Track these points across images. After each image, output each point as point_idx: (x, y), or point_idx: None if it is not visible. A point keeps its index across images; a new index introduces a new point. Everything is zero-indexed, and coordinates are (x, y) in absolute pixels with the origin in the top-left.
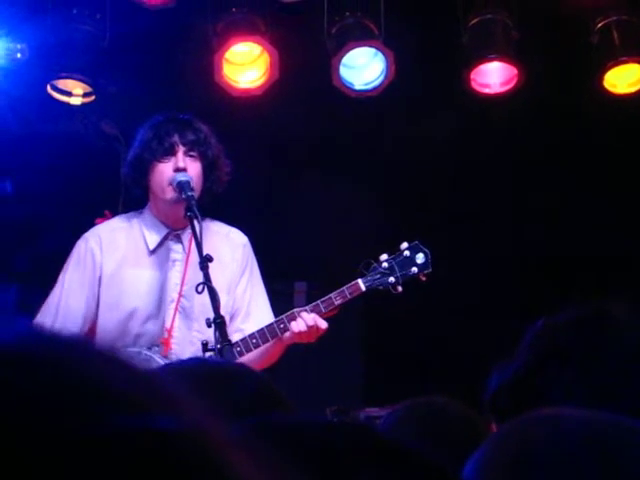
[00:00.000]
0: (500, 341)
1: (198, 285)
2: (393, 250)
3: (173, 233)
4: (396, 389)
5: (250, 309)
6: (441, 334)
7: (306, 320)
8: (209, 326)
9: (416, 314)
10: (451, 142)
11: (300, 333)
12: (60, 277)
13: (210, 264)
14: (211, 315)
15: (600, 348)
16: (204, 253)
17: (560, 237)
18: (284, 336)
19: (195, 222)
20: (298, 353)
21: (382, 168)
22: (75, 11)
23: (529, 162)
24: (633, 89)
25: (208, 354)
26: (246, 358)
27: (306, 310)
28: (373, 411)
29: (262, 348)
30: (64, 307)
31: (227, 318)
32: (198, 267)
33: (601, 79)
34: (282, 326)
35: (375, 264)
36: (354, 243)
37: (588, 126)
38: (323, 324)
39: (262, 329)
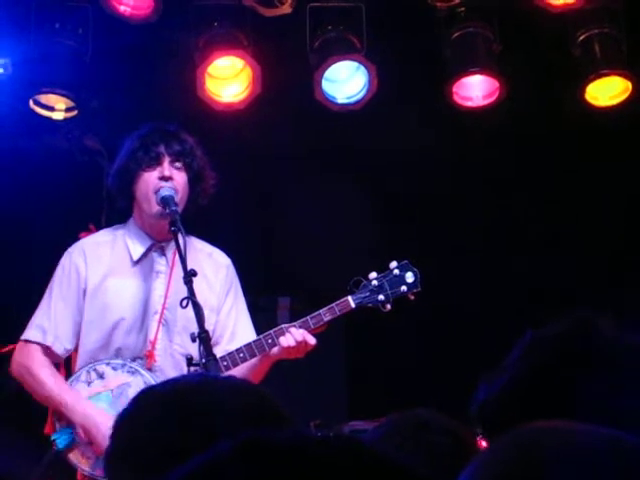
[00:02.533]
0: (485, 355)
1: (182, 299)
2: (382, 269)
3: (157, 245)
4: (380, 403)
5: (236, 330)
6: (425, 347)
7: (295, 335)
8: (194, 341)
9: (400, 328)
10: (434, 155)
11: (289, 348)
12: (46, 294)
13: (194, 279)
14: (193, 328)
15: (588, 362)
16: (188, 268)
17: (545, 249)
18: (272, 351)
19: (179, 237)
20: (282, 367)
21: (366, 182)
22: (57, 26)
23: (513, 174)
24: (615, 102)
25: (193, 369)
26: (233, 374)
27: (295, 326)
28: (357, 424)
29: (249, 364)
30: (53, 324)
31: (210, 333)
32: (182, 280)
33: (583, 92)
34: (270, 341)
35: (365, 282)
36: (338, 259)
37: (570, 138)
38: (312, 340)
39: (249, 344)
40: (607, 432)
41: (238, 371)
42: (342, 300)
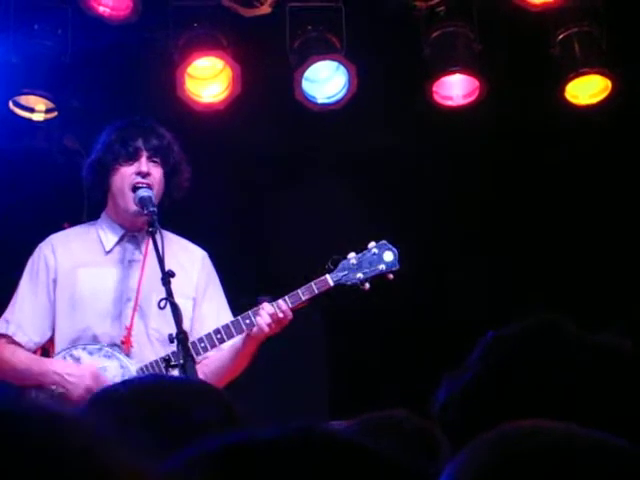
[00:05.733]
0: (465, 355)
1: (160, 300)
2: (361, 248)
3: (129, 234)
4: (362, 403)
5: (219, 320)
6: (407, 347)
7: (268, 311)
8: (171, 342)
9: (381, 328)
10: (414, 154)
11: (268, 325)
12: (17, 289)
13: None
14: (168, 314)
15: (550, 363)
16: (166, 268)
17: (533, 240)
18: (252, 332)
19: (157, 238)
20: (262, 366)
21: (347, 182)
22: (37, 27)
23: (492, 172)
24: (594, 100)
25: (171, 371)
26: (220, 361)
27: (272, 304)
28: (337, 424)
29: (234, 349)
30: (17, 316)
31: (187, 323)
32: (155, 268)
33: (563, 90)
34: (247, 321)
35: (343, 260)
36: (320, 259)
37: (550, 137)
38: (289, 314)
39: (227, 324)
40: (587, 432)
41: (224, 356)
42: (320, 279)
